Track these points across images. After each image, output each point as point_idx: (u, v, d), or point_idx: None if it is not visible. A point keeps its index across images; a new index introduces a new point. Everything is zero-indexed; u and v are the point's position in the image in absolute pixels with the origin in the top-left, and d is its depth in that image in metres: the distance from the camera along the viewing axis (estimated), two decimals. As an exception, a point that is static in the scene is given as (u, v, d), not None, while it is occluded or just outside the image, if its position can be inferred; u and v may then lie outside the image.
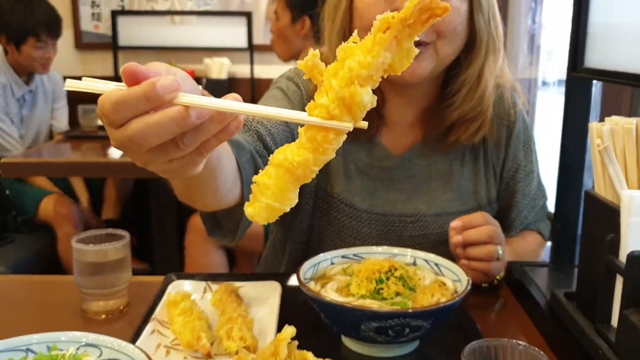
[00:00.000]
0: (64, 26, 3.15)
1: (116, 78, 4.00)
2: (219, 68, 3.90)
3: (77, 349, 0.79)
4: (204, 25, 4.01)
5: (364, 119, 1.32)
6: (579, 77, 1.07)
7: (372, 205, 1.23)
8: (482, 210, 1.25)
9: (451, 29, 1.10)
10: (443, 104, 1.21)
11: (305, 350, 0.76)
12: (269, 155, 1.08)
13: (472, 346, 0.69)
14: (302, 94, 1.23)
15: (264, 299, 1.04)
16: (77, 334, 0.80)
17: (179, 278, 1.11)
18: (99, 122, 3.21)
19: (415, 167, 1.25)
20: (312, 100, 0.56)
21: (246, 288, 1.07)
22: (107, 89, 0.55)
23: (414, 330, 0.86)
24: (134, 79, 0.53)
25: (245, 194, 0.96)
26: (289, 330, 0.75)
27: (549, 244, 1.31)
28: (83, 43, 4.04)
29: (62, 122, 3.48)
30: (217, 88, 3.75)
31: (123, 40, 3.98)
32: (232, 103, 0.55)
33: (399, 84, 1.15)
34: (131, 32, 3.96)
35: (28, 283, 1.21)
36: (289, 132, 1.16)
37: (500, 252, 1.08)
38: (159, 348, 0.90)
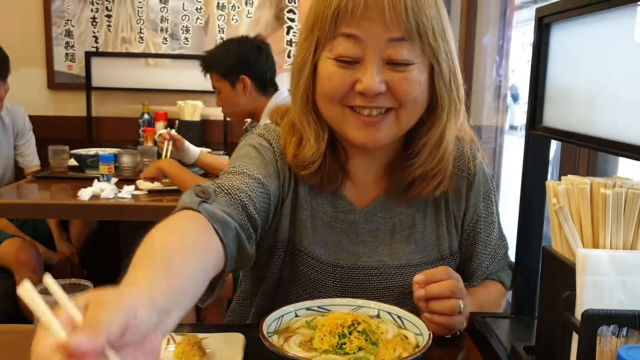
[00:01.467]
0: (36, 66, 3.08)
1: (88, 118, 3.99)
2: (192, 110, 3.92)
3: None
4: (177, 68, 4.05)
5: (330, 175, 1.31)
6: (536, 135, 1.11)
7: (337, 259, 1.24)
8: (445, 261, 1.28)
9: (412, 99, 1.12)
10: (406, 163, 1.23)
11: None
12: (251, 226, 1.09)
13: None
14: (273, 150, 1.24)
15: (227, 351, 1.04)
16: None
17: (142, 329, 1.10)
18: (70, 163, 3.18)
19: (379, 220, 1.27)
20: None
21: (210, 339, 1.07)
22: (53, 325, 0.53)
23: (375, 386, 0.87)
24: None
25: (227, 268, 0.98)
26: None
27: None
28: (56, 83, 4.03)
29: (28, 155, 3.38)
30: (190, 130, 3.77)
31: (96, 81, 3.99)
32: None
33: (360, 148, 1.18)
34: (105, 73, 3.98)
35: (-14, 333, 1.18)
36: (265, 194, 1.16)
37: (462, 306, 1.10)
38: (119, 403, 0.89)
